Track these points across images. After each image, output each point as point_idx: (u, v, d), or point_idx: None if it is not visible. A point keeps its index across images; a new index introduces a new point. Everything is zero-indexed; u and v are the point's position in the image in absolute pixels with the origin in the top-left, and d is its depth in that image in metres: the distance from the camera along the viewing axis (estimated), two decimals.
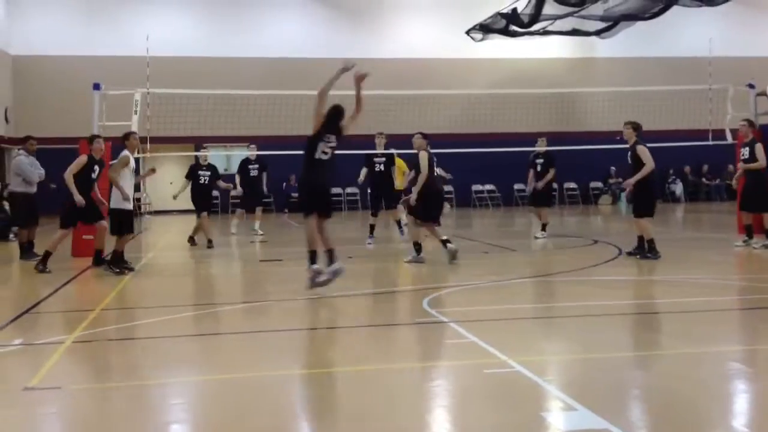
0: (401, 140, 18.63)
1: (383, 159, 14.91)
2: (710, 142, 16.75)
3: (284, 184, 27.39)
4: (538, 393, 4.96)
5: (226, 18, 27.14)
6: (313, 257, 8.72)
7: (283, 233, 19.43)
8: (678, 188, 29.78)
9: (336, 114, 9.17)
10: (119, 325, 7.51)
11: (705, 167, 29.92)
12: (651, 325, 7.32)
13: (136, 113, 13.97)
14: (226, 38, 26.83)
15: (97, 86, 13.92)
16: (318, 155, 8.90)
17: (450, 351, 6.18)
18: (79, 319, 7.75)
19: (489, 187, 28.29)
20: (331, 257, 8.76)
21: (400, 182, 15.10)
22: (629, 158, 11.89)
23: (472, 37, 23.31)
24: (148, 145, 15.55)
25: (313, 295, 8.68)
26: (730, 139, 15.83)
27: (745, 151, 12.79)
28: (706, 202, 29.03)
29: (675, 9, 18.96)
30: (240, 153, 26.54)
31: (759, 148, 12.54)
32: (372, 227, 14.87)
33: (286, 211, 27.24)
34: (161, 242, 17.42)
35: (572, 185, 29.14)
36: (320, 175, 8.96)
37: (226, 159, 26.37)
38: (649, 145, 11.88)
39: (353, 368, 5.70)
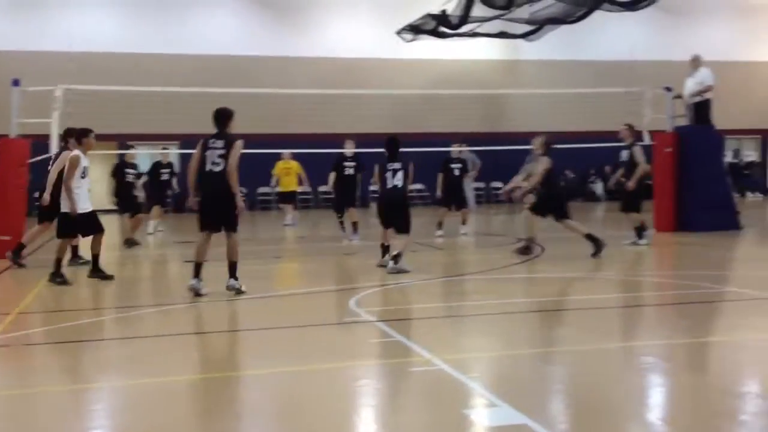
0: (333, 140, 18.67)
1: (353, 164, 15.30)
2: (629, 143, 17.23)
3: None
4: (462, 390, 5.05)
5: (153, 14, 26.59)
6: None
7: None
8: (598, 188, 30.54)
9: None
10: (38, 328, 7.32)
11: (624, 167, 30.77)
12: (570, 321, 7.52)
13: (57, 110, 13.59)
14: (152, 35, 26.28)
15: (16, 82, 13.50)
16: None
17: (376, 350, 6.23)
18: None
19: (418, 186, 28.52)
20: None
21: (293, 183, 16.50)
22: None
23: (402, 38, 23.49)
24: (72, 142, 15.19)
25: (238, 297, 8.62)
26: (647, 140, 16.32)
27: (624, 154, 13.31)
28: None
29: (598, 13, 19.49)
30: (169, 151, 26.19)
31: (637, 150, 13.15)
32: (342, 224, 15.28)
33: None
34: (85, 243, 16.98)
35: (499, 185, 29.60)
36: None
37: (150, 157, 25.89)
38: (571, 145, 12.35)
39: (279, 369, 5.70)
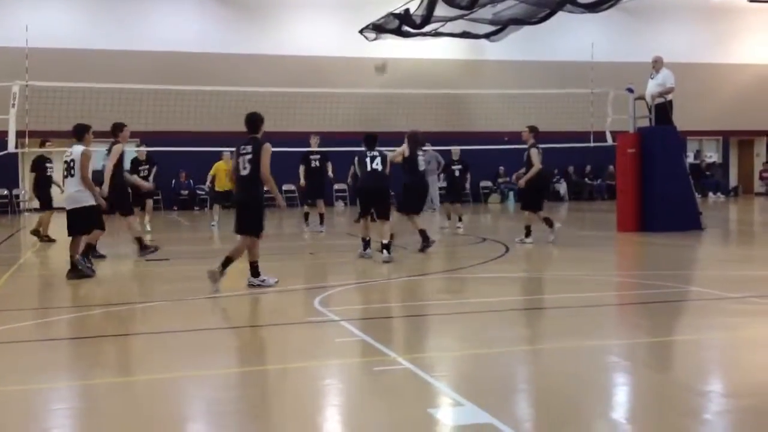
0: (298, 138, 18.59)
1: (318, 156, 16.75)
2: (592, 144, 17.44)
3: (173, 181, 26.76)
4: (427, 390, 5.03)
5: (114, 9, 26.18)
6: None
7: (171, 231, 18.97)
8: (562, 188, 30.84)
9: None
10: None
11: (588, 167, 31.11)
12: (533, 321, 7.54)
13: (14, 107, 13.31)
14: (112, 30, 25.88)
15: None
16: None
17: (340, 349, 6.18)
18: None
19: None
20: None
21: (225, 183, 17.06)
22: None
23: (365, 37, 23.45)
24: (27, 139, 14.90)
25: (202, 295, 8.51)
26: (610, 141, 16.52)
27: (524, 155, 13.83)
28: (589, 201, 30.20)
29: (560, 14, 19.65)
30: (128, 149, 25.84)
31: (533, 153, 13.49)
32: (307, 216, 17.06)
33: (176, 208, 26.64)
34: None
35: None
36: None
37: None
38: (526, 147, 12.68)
39: (241, 369, 5.63)
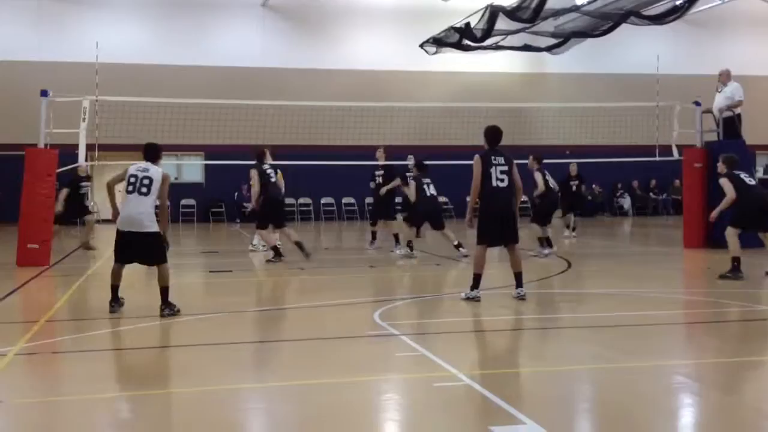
0: (358, 151, 18.71)
1: (382, 172, 15.84)
2: (657, 158, 17.10)
3: (236, 193, 27.18)
4: (488, 406, 4.98)
5: (179, 26, 26.81)
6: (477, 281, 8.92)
7: (233, 243, 19.25)
8: (626, 202, 30.30)
9: (496, 133, 9.28)
10: (65, 336, 7.33)
11: (653, 182, 30.51)
12: (598, 339, 7.40)
13: (84, 121, 13.71)
14: (177, 46, 26.49)
15: (44, 93, 13.65)
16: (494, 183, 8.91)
17: (400, 364, 6.17)
18: (23, 330, 7.57)
19: (442, 199, 28.44)
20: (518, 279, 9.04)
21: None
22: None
23: (425, 51, 23.46)
24: (97, 153, 15.31)
25: (262, 308, 8.61)
26: (676, 155, 16.17)
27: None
28: (654, 216, 29.60)
29: (624, 26, 19.35)
30: (190, 162, 26.39)
31: (538, 176, 14.72)
32: (374, 234, 16.05)
33: (238, 220, 27.04)
34: (108, 251, 17.09)
35: (523, 198, 29.50)
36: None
37: (176, 168, 26.10)
38: (597, 160, 12.46)
39: (303, 382, 5.66)
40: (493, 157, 8.99)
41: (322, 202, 27.48)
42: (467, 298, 8.87)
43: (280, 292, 10.48)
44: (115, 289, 8.37)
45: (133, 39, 26.08)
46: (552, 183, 15.05)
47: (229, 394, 5.40)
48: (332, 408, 5.01)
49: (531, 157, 14.99)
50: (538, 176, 14.80)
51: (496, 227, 8.89)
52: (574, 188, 18.92)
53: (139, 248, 8.23)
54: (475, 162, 8.96)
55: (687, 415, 5.00)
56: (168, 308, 8.23)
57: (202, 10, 26.91)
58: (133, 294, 9.68)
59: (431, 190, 14.33)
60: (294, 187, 25.58)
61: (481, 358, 6.58)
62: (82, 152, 13.74)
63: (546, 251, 14.22)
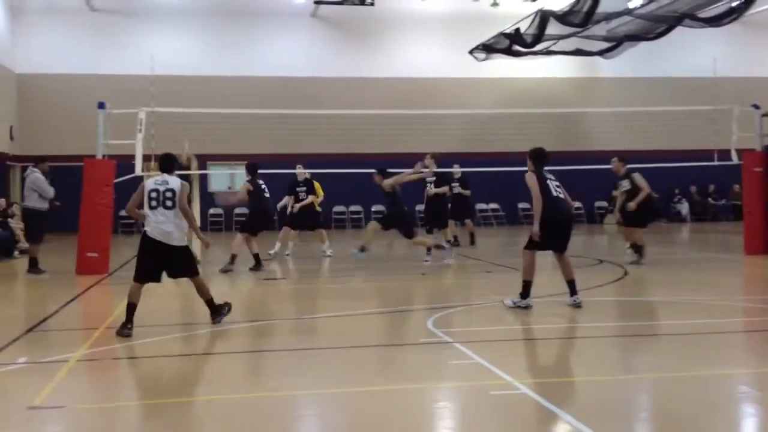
0: (406, 159, 18.70)
1: (433, 179, 15.47)
2: (715, 163, 16.73)
3: (279, 203, 27.36)
4: (544, 415, 4.93)
5: (229, 37, 27.17)
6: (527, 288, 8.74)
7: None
8: (684, 208, 29.69)
9: (544, 154, 9.23)
10: (124, 343, 7.46)
11: (711, 187, 29.84)
12: (656, 347, 7.25)
13: (140, 132, 13.98)
14: (228, 57, 26.85)
15: (101, 105, 13.97)
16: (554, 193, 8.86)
17: (455, 372, 6.14)
18: (84, 337, 7.73)
19: (493, 206, 28.29)
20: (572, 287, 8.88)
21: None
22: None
23: (475, 57, 23.38)
24: (153, 163, 15.59)
25: (316, 315, 8.64)
26: (735, 160, 15.81)
27: (625, 183, 13.70)
28: (712, 222, 28.94)
29: (679, 29, 19.03)
30: (243, 171, 26.67)
31: (637, 177, 13.58)
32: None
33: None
34: None
35: (577, 204, 29.14)
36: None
37: (229, 177, 26.43)
38: (652, 165, 12.23)
39: (357, 389, 5.66)
40: (545, 173, 8.99)
41: (372, 209, 27.55)
42: (516, 306, 8.70)
43: (331, 300, 10.51)
44: (131, 309, 7.73)
45: (186, 51, 26.52)
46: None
47: (282, 401, 5.43)
48: (386, 416, 5.01)
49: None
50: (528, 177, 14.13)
51: (554, 234, 8.78)
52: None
53: (166, 261, 7.90)
54: (529, 177, 8.88)
55: (750, 425, 4.86)
56: (218, 316, 8.13)
57: (253, 21, 27.24)
58: (189, 301, 9.83)
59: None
60: (342, 195, 25.72)
61: (537, 366, 6.51)
62: (138, 163, 14.01)
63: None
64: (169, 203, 7.87)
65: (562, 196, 8.89)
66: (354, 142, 25.03)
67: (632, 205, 13.34)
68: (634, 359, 6.69)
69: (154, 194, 7.92)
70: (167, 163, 8.25)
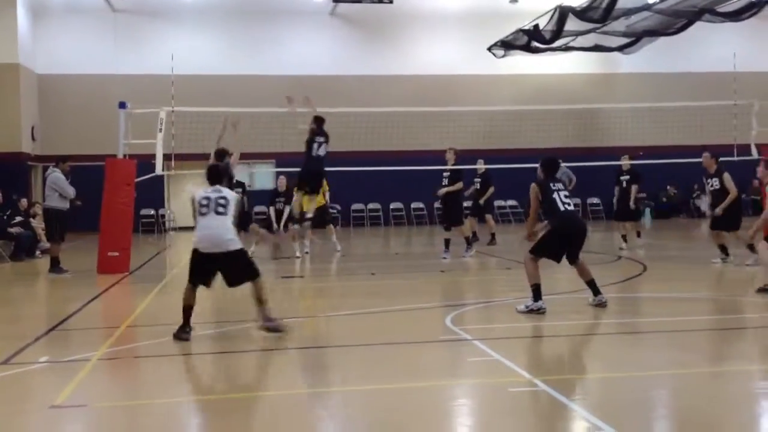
0: (426, 156, 18.72)
1: (449, 174, 15.10)
2: (735, 158, 16.60)
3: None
4: (564, 412, 4.93)
5: (248, 36, 27.28)
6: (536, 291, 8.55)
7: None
8: (703, 203, 29.45)
9: (554, 163, 9.11)
10: (145, 342, 7.54)
11: None
12: (675, 343, 7.20)
13: (161, 131, 14.10)
14: (248, 57, 26.96)
15: (122, 105, 14.09)
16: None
17: (474, 369, 6.15)
18: (105, 335, 7.82)
19: (511, 202, 28.22)
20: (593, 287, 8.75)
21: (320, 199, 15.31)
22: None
23: (493, 54, 23.33)
24: (173, 162, 15.71)
25: (335, 313, 8.68)
26: (755, 154, 15.69)
27: (714, 182, 12.88)
28: None
29: (698, 24, 18.86)
30: (262, 170, 26.79)
31: (726, 177, 12.70)
32: (447, 241, 14.81)
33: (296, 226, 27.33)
34: (186, 258, 17.51)
35: (595, 200, 29.00)
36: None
37: (249, 176, 26.55)
38: (672, 160, 12.04)
39: (377, 386, 5.69)
40: (551, 184, 8.80)
41: (391, 207, 27.56)
42: (528, 311, 8.48)
43: (352, 297, 10.55)
44: (187, 311, 7.47)
45: (205, 50, 26.66)
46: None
47: (302, 398, 5.47)
48: (405, 414, 5.02)
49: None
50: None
51: (564, 245, 8.71)
52: (624, 184, 16.31)
53: (224, 269, 7.50)
54: (533, 190, 8.77)
55: None
56: (269, 321, 7.44)
57: (272, 20, 27.33)
58: (205, 300, 9.90)
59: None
60: (362, 193, 25.78)
61: (556, 363, 6.50)
62: (159, 162, 14.12)
63: None
64: (221, 209, 7.48)
65: (571, 207, 8.75)
66: (373, 139, 25.05)
67: (719, 210, 12.72)
68: (652, 355, 6.65)
69: (205, 201, 7.55)
70: (217, 176, 7.78)
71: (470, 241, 15.14)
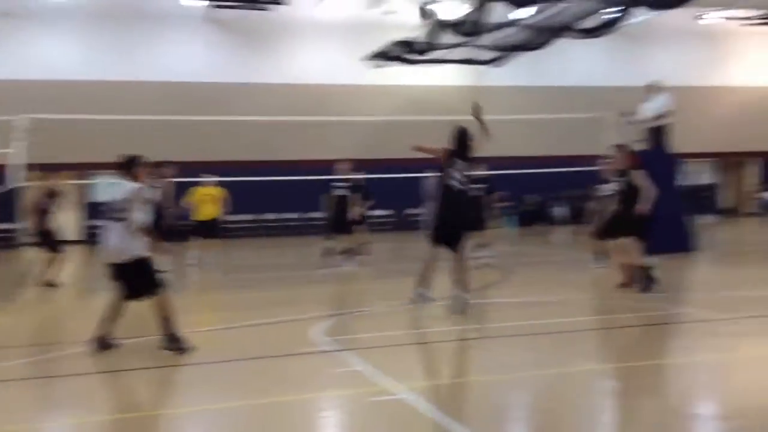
0: (303, 166, 18.73)
1: (348, 184, 15.19)
2: (594, 168, 17.45)
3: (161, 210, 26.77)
4: (423, 419, 5.06)
5: (117, 40, 26.21)
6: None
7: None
8: (560, 211, 30.61)
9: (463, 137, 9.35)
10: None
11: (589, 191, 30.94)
12: (530, 346, 7.50)
13: (19, 140, 13.50)
14: (116, 61, 25.83)
15: None
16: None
17: (338, 380, 6.20)
18: None
19: (384, 212, 28.51)
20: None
21: (214, 210, 15.28)
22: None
23: (370, 64, 23.67)
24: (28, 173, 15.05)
25: (207, 328, 8.56)
26: None
27: (623, 181, 11.64)
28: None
29: (562, 40, 19.80)
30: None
31: (642, 174, 11.67)
32: (329, 251, 15.10)
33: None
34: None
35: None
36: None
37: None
38: (529, 171, 12.46)
39: (242, 402, 5.66)
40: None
41: (264, 218, 27.30)
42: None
43: (220, 311, 10.44)
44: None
45: (71, 55, 25.49)
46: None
47: (165, 418, 5.39)
48: (273, 428, 5.04)
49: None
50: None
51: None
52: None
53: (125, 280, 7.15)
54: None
55: (615, 418, 5.16)
56: (172, 342, 7.10)
57: (141, 24, 26.34)
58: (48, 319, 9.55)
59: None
60: (239, 205, 25.44)
61: (418, 370, 6.66)
62: (15, 172, 13.52)
63: None
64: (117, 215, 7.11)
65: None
66: (249, 149, 24.82)
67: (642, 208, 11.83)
68: (509, 358, 6.87)
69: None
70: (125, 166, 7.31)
71: (353, 252, 15.19)
